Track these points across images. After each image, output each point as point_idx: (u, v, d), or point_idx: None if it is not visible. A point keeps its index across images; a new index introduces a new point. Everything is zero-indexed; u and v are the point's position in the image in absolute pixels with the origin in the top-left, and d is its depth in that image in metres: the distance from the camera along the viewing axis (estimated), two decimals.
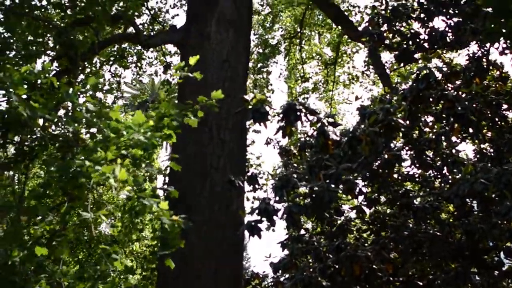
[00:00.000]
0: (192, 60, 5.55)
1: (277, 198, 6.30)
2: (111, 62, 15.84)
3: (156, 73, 18.80)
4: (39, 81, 5.15)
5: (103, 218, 4.56)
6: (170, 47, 17.54)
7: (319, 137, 6.05)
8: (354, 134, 6.44)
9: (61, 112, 5.50)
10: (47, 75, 5.11)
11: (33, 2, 10.94)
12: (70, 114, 5.21)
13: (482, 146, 8.63)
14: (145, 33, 14.54)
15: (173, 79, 15.87)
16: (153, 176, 5.41)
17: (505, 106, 8.20)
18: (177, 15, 22.83)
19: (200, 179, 8.66)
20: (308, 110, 6.04)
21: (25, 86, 5.02)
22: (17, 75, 4.78)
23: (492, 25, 7.11)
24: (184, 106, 5.58)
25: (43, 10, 11.54)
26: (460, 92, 7.58)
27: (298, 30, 19.40)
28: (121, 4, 12.44)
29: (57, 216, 5.05)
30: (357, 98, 7.85)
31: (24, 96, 5.02)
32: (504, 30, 7.26)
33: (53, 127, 5.69)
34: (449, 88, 7.65)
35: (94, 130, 5.18)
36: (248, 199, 13.16)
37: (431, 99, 6.77)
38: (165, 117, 5.18)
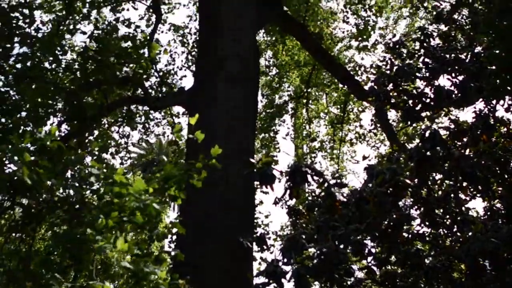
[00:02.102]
0: (193, 120, 5.59)
1: (285, 260, 6.22)
2: (119, 123, 15.97)
3: (164, 134, 18.90)
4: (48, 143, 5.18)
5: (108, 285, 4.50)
6: (177, 108, 17.72)
7: (326, 199, 6.03)
8: (361, 195, 6.40)
9: (69, 173, 5.52)
10: (53, 138, 5.15)
11: (42, 65, 11.13)
12: (76, 176, 5.22)
13: (492, 202, 8.54)
14: (153, 94, 14.71)
15: (180, 140, 15.94)
16: (160, 236, 5.35)
17: None
18: (185, 76, 23.20)
19: (208, 240, 8.59)
20: (314, 172, 6.05)
21: (33, 148, 5.06)
22: (21, 146, 4.80)
23: (497, 81, 7.16)
24: (189, 166, 5.58)
25: (53, 73, 11.74)
26: (468, 150, 7.55)
27: (305, 90, 19.59)
28: (130, 65, 12.65)
29: (63, 280, 5.00)
30: (364, 157, 7.83)
31: (33, 157, 5.05)
32: (509, 88, 7.32)
33: (61, 189, 5.69)
34: (457, 146, 7.63)
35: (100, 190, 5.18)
36: (255, 260, 13.01)
37: (437, 158, 6.75)
38: (169, 179, 5.18)
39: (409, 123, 9.75)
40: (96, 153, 10.52)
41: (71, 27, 13.71)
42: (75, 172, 5.39)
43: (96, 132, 14.41)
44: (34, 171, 4.76)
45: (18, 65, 10.57)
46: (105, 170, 5.06)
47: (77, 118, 11.88)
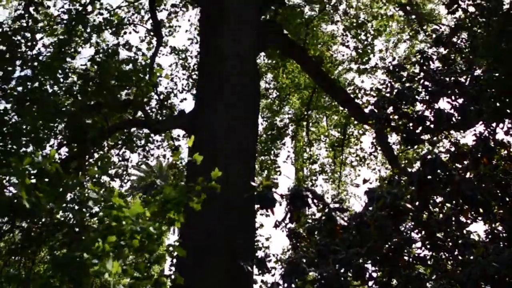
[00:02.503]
0: (190, 142, 5.60)
1: (286, 285, 6.18)
2: (119, 146, 15.94)
3: (164, 156, 18.87)
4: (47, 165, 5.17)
5: None
6: (177, 130, 17.72)
7: (326, 223, 6.01)
8: (362, 219, 6.38)
9: (68, 195, 5.51)
10: (52, 161, 5.14)
11: (44, 88, 11.16)
12: (76, 199, 5.21)
13: (493, 226, 8.50)
14: (153, 116, 14.71)
15: (180, 162, 15.96)
16: (160, 259, 5.33)
17: None
18: (185, 99, 23.34)
19: (208, 264, 8.54)
20: (314, 196, 6.03)
21: (34, 171, 5.06)
22: (21, 167, 4.79)
23: (497, 104, 7.17)
24: (188, 188, 5.57)
25: (54, 95, 11.76)
26: (468, 173, 7.53)
27: (305, 112, 19.62)
28: (131, 88, 12.68)
29: None
30: (365, 181, 7.81)
31: (33, 180, 5.04)
32: (508, 110, 7.33)
33: (60, 212, 5.67)
34: (457, 169, 7.61)
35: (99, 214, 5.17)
36: (256, 283, 12.90)
37: (438, 181, 6.73)
38: (168, 202, 5.16)
39: (409, 146, 9.74)
40: (96, 175, 10.52)
41: (72, 50, 13.78)
42: (74, 196, 5.38)
43: (96, 155, 14.37)
44: (33, 194, 4.75)
45: (19, 88, 10.60)
46: (104, 193, 5.05)
47: (78, 140, 11.89)
